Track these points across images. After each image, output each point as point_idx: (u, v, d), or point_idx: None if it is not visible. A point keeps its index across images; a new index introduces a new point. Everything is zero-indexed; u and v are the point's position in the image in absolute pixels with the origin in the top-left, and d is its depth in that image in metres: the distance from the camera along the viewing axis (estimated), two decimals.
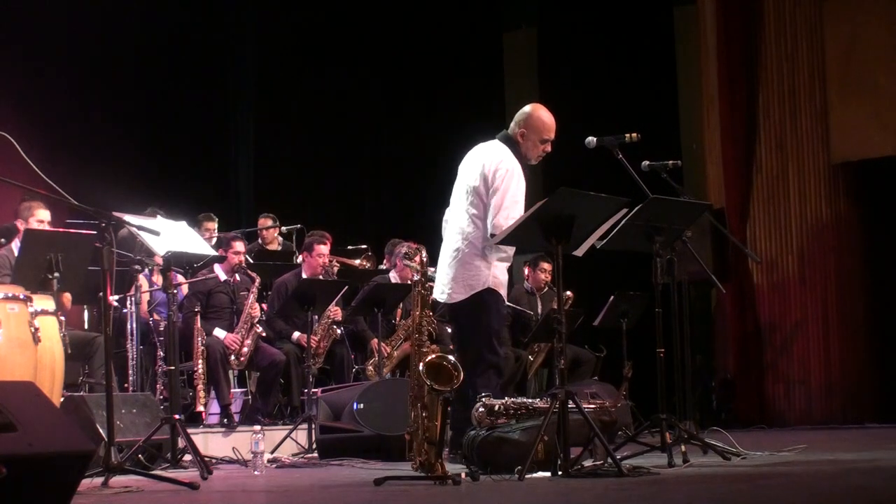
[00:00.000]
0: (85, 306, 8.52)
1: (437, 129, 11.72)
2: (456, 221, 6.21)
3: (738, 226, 10.62)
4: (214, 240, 9.13)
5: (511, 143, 6.20)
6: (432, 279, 6.09)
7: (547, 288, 9.91)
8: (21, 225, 7.25)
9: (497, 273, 6.17)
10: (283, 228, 10.84)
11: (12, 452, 3.78)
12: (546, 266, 9.79)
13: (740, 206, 10.70)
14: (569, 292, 9.43)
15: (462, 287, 6.12)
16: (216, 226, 9.85)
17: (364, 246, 10.66)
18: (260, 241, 10.87)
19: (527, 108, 6.26)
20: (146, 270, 8.40)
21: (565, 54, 12.59)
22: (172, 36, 11.76)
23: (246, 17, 13.11)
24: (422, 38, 12.81)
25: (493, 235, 6.00)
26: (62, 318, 6.22)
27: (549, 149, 6.27)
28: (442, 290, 6.19)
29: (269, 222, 10.73)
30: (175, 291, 6.32)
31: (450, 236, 6.24)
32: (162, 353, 8.12)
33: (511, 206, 5.98)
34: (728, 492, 4.49)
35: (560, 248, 5.41)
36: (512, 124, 6.25)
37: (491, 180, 6.05)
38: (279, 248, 10.77)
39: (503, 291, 6.26)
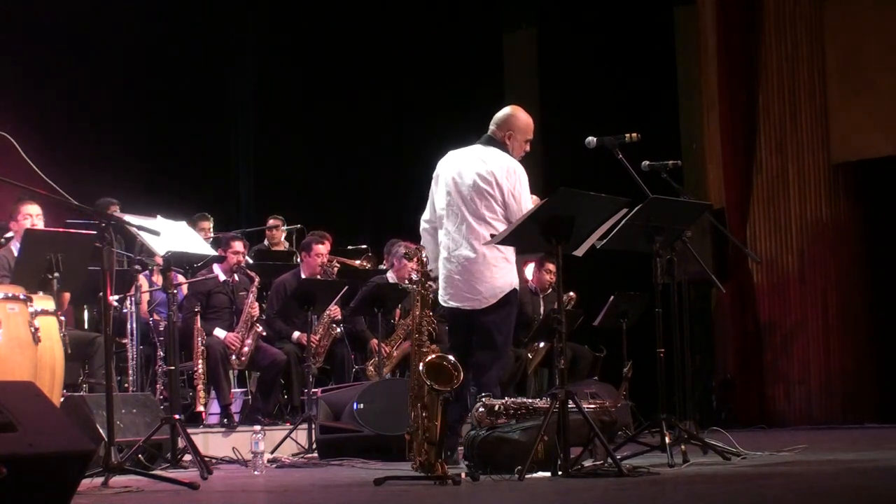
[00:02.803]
0: (85, 306, 8.52)
1: (438, 129, 11.71)
2: (463, 227, 6.10)
3: (738, 226, 10.61)
4: (210, 239, 9.12)
5: (498, 145, 6.18)
6: (435, 278, 6.07)
7: (551, 288, 9.89)
8: (14, 226, 7.25)
9: (516, 272, 6.21)
10: (284, 228, 10.84)
11: (12, 452, 3.78)
12: (551, 266, 9.73)
13: (740, 206, 10.70)
14: (572, 293, 9.43)
15: (491, 291, 6.06)
16: (211, 225, 9.84)
17: (364, 246, 10.67)
18: (267, 241, 10.88)
19: (508, 111, 6.25)
20: (146, 270, 8.41)
21: (565, 54, 12.59)
22: (173, 36, 11.76)
23: (246, 18, 13.11)
24: (422, 39, 12.81)
25: (492, 236, 6.02)
26: (62, 318, 6.22)
27: (528, 148, 6.30)
28: (464, 298, 6.08)
29: (280, 223, 10.75)
30: (175, 291, 6.32)
31: (457, 242, 6.10)
32: (162, 353, 8.12)
33: (530, 205, 6.02)
34: (728, 492, 4.49)
35: (560, 249, 5.42)
36: (493, 127, 6.21)
37: (509, 184, 6.05)
38: (285, 249, 10.79)
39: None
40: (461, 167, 6.16)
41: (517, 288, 6.19)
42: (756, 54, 10.80)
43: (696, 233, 7.05)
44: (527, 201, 6.05)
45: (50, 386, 5.85)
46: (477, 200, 6.07)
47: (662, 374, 5.90)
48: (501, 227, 5.99)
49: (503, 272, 6.10)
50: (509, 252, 6.11)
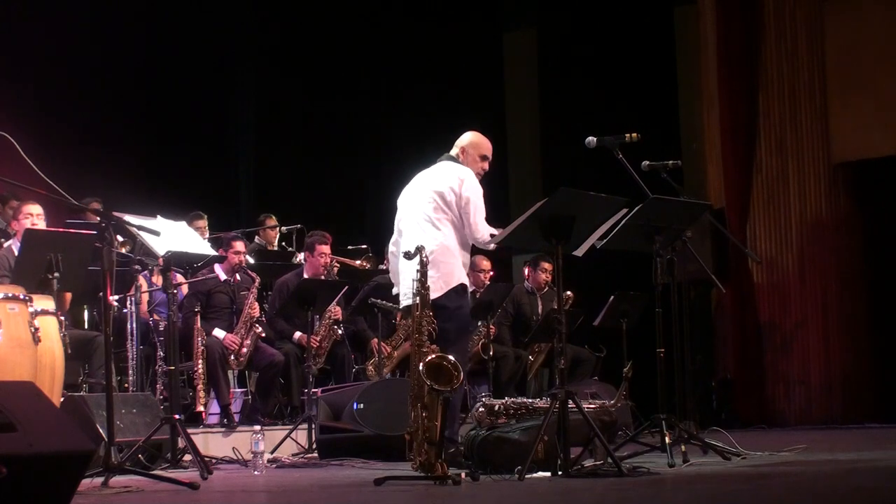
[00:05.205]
0: (85, 306, 8.51)
1: (437, 129, 11.70)
2: (415, 235, 6.21)
3: (738, 226, 10.62)
4: (207, 238, 9.10)
5: (454, 160, 6.47)
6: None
7: (547, 288, 9.90)
8: (15, 226, 7.24)
9: (465, 271, 6.38)
10: (283, 228, 10.83)
11: (12, 452, 3.78)
12: (547, 266, 9.76)
13: (740, 206, 10.70)
14: (569, 292, 9.42)
15: (437, 284, 6.09)
16: (206, 223, 9.82)
17: (364, 246, 10.66)
18: (261, 240, 10.86)
19: (465, 134, 6.56)
20: (146, 270, 8.40)
21: (565, 54, 12.59)
22: (173, 37, 11.75)
23: (246, 19, 13.11)
24: (422, 39, 12.80)
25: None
26: (62, 318, 6.21)
27: (486, 167, 6.53)
28: (406, 294, 6.13)
29: (274, 222, 10.75)
30: (175, 291, 6.32)
31: (411, 242, 6.20)
32: (162, 353, 8.11)
33: (482, 207, 6.29)
34: (728, 492, 4.49)
35: (560, 248, 5.42)
36: (453, 149, 6.53)
37: (459, 190, 6.28)
38: (276, 249, 10.77)
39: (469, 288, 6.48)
40: (423, 183, 6.44)
41: (465, 284, 6.30)
42: (756, 54, 10.80)
43: (696, 233, 7.05)
44: (479, 204, 6.28)
45: (50, 386, 5.84)
46: (429, 206, 6.29)
47: (662, 374, 5.90)
48: (451, 226, 6.24)
49: (448, 269, 6.23)
50: (459, 252, 6.30)
